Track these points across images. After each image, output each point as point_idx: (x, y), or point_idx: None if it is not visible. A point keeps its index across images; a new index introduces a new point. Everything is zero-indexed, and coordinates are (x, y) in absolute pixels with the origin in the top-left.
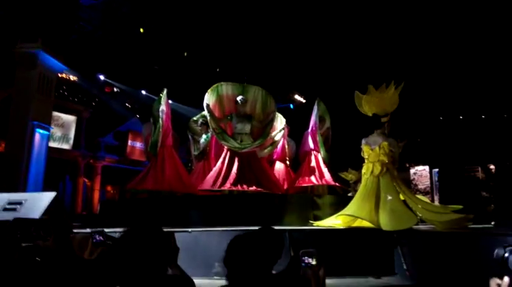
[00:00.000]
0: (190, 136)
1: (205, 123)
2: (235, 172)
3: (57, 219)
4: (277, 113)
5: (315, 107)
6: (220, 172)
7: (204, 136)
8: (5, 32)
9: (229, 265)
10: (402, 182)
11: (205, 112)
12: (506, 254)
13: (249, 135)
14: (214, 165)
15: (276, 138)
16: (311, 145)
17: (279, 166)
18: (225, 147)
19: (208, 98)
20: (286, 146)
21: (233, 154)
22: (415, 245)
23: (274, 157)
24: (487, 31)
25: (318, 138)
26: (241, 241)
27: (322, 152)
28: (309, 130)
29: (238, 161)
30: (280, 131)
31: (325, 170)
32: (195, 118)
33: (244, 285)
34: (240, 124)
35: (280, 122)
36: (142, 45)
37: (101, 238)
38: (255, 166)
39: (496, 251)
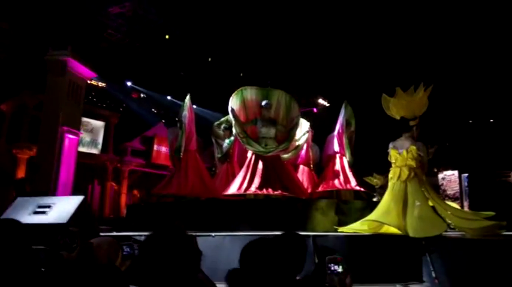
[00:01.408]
0: (213, 140)
1: (228, 128)
2: (260, 175)
3: (84, 229)
4: (300, 117)
5: (342, 110)
6: (245, 176)
7: (226, 140)
8: (37, 40)
9: (242, 272)
10: (431, 187)
11: (230, 116)
12: None
13: (274, 140)
14: (238, 168)
15: (300, 142)
16: (336, 147)
17: (302, 170)
18: (249, 151)
19: (233, 103)
20: (310, 150)
21: (258, 158)
22: (444, 252)
23: (298, 161)
24: None
25: (345, 141)
26: (255, 247)
27: (348, 155)
28: (335, 133)
29: (263, 165)
30: (304, 134)
31: (350, 174)
32: (218, 123)
33: None
34: (265, 128)
35: (303, 125)
36: (168, 51)
37: (129, 250)
38: (279, 170)
39: None
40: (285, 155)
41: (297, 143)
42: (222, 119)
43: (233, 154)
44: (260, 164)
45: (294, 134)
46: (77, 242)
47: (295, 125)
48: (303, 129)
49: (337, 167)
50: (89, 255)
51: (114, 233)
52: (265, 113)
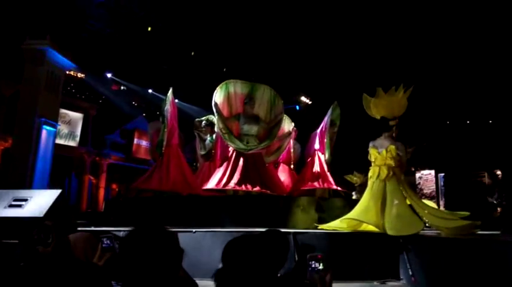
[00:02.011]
0: (196, 134)
1: (209, 125)
2: (240, 172)
3: (60, 224)
4: (285, 115)
5: (330, 110)
6: (225, 172)
7: (208, 137)
8: (14, 28)
9: (226, 268)
10: (409, 186)
11: (214, 110)
12: None
13: (255, 137)
14: (220, 166)
15: (283, 143)
16: (317, 145)
17: (283, 168)
18: (231, 148)
19: (217, 96)
20: (292, 149)
21: (239, 154)
22: (421, 250)
23: (280, 159)
24: (495, 38)
25: (326, 140)
26: (237, 244)
27: (327, 155)
28: (318, 131)
29: (244, 162)
30: (288, 135)
31: (328, 173)
32: (199, 119)
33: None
34: (247, 125)
35: (287, 125)
36: (150, 44)
37: (109, 242)
38: (260, 167)
39: None
40: (269, 158)
41: (280, 144)
42: (203, 117)
43: (216, 152)
44: (241, 161)
45: (276, 132)
46: (52, 237)
47: (278, 123)
48: (287, 129)
49: (316, 165)
50: (65, 250)
51: (92, 228)
52: (248, 109)
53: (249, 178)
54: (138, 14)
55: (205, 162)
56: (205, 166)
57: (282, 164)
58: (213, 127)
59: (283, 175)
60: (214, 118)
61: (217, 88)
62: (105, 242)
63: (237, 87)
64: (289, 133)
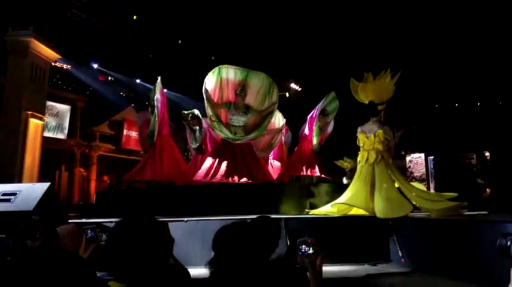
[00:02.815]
0: (186, 125)
1: (195, 117)
2: (227, 163)
3: (48, 217)
4: (278, 111)
5: (324, 99)
6: (212, 164)
7: (198, 129)
8: None
9: (218, 255)
10: (397, 170)
11: (204, 97)
12: (509, 243)
13: (242, 129)
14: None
15: (275, 140)
16: (306, 131)
17: (276, 165)
18: (219, 138)
19: (209, 81)
20: (284, 146)
21: (227, 145)
22: (410, 232)
23: (272, 157)
24: (481, 19)
25: (315, 127)
26: (228, 231)
27: (314, 142)
28: (308, 116)
29: (231, 153)
30: (279, 131)
31: (314, 160)
32: (186, 112)
33: (235, 275)
34: (235, 117)
35: (279, 120)
36: (136, 33)
37: (93, 233)
38: (248, 158)
39: (498, 240)
40: (260, 154)
41: (270, 141)
42: (189, 111)
43: (206, 146)
44: (228, 152)
45: (267, 124)
46: (39, 231)
47: (271, 113)
48: (278, 124)
49: (303, 151)
50: (54, 244)
51: (83, 220)
52: (239, 100)
53: (236, 170)
54: (123, 2)
55: (198, 155)
56: (198, 159)
57: (274, 160)
58: (200, 120)
59: (275, 170)
60: (198, 112)
61: (209, 73)
62: (89, 234)
63: (230, 73)
64: (280, 130)
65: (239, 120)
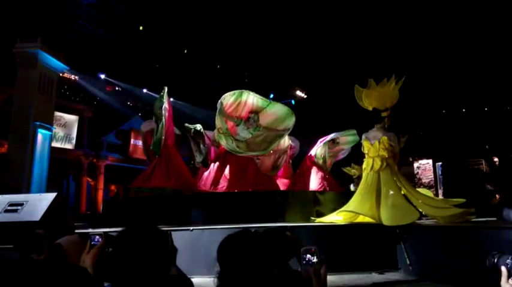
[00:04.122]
0: (190, 137)
1: (197, 133)
2: (231, 175)
3: (53, 230)
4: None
5: (342, 132)
6: (217, 175)
7: (201, 142)
8: (4, 31)
9: (222, 265)
10: (403, 176)
11: (217, 108)
12: (496, 259)
13: (245, 143)
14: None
15: (280, 162)
16: (313, 152)
17: (283, 181)
18: (223, 150)
19: (227, 98)
20: (288, 167)
21: (231, 158)
22: (417, 239)
23: (279, 175)
24: (489, 25)
25: (318, 150)
26: (233, 241)
27: (320, 162)
28: (320, 139)
29: (234, 166)
30: (284, 152)
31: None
32: (189, 126)
33: (240, 285)
34: (242, 133)
35: (284, 141)
36: (142, 43)
37: (100, 239)
38: (251, 172)
39: (487, 261)
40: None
41: (275, 162)
42: (191, 126)
43: (211, 158)
44: (231, 165)
45: (274, 145)
46: (44, 244)
47: (281, 136)
48: (283, 144)
49: (306, 168)
50: (59, 258)
51: (90, 230)
52: (251, 121)
53: (239, 182)
54: (129, 13)
55: (204, 169)
56: (203, 170)
57: (280, 178)
58: (202, 135)
59: (282, 187)
60: (201, 127)
61: (228, 92)
62: (95, 240)
63: (250, 98)
64: (285, 151)
65: (245, 136)
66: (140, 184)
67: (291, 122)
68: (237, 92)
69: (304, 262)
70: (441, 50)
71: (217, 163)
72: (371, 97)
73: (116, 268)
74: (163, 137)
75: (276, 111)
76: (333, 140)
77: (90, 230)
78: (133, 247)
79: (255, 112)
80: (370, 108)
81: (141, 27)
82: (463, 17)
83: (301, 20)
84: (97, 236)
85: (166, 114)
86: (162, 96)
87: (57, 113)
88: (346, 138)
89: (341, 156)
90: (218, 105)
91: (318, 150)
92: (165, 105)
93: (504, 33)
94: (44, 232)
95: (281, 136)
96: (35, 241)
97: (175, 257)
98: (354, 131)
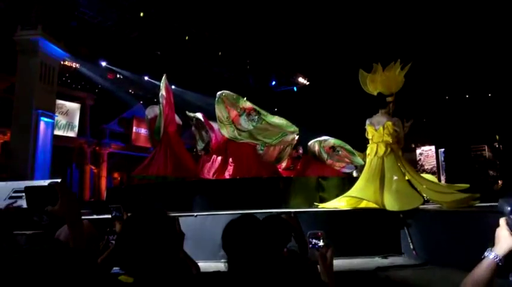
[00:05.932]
0: (193, 126)
1: (198, 122)
2: (233, 163)
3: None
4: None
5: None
6: (219, 163)
7: (202, 130)
8: (4, 19)
9: (228, 250)
10: (407, 162)
11: (218, 96)
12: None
13: (248, 133)
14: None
15: (284, 154)
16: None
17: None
18: (225, 138)
19: (226, 93)
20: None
21: (233, 146)
22: (421, 224)
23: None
24: (492, 9)
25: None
26: (236, 225)
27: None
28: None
29: (235, 155)
30: (289, 145)
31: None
32: (190, 114)
33: (247, 269)
34: (245, 123)
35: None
36: (143, 30)
37: (118, 213)
38: (253, 160)
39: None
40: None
41: (279, 154)
42: (192, 114)
43: (213, 146)
44: (233, 153)
45: (280, 137)
46: (57, 194)
47: (282, 134)
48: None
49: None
50: (74, 207)
51: (95, 217)
52: (253, 116)
53: (242, 169)
54: (130, 0)
55: (206, 156)
56: (205, 158)
57: (282, 170)
58: (202, 124)
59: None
60: (201, 116)
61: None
62: (115, 213)
63: (248, 103)
64: (291, 143)
65: (247, 127)
66: (140, 172)
67: (292, 129)
68: (236, 95)
69: (310, 245)
70: (445, 35)
71: (220, 152)
72: (376, 82)
73: (126, 253)
74: (162, 125)
75: (276, 120)
76: (333, 148)
77: (94, 216)
78: (143, 231)
79: (257, 112)
80: (375, 93)
81: (141, 14)
82: (467, 2)
83: (303, 5)
84: (115, 211)
85: (164, 101)
86: (161, 83)
87: (59, 101)
88: (347, 154)
89: (344, 169)
90: (217, 96)
91: (310, 142)
92: (162, 92)
93: (508, 19)
94: (56, 183)
95: (285, 135)
96: (49, 193)
97: (182, 241)
98: (358, 153)
